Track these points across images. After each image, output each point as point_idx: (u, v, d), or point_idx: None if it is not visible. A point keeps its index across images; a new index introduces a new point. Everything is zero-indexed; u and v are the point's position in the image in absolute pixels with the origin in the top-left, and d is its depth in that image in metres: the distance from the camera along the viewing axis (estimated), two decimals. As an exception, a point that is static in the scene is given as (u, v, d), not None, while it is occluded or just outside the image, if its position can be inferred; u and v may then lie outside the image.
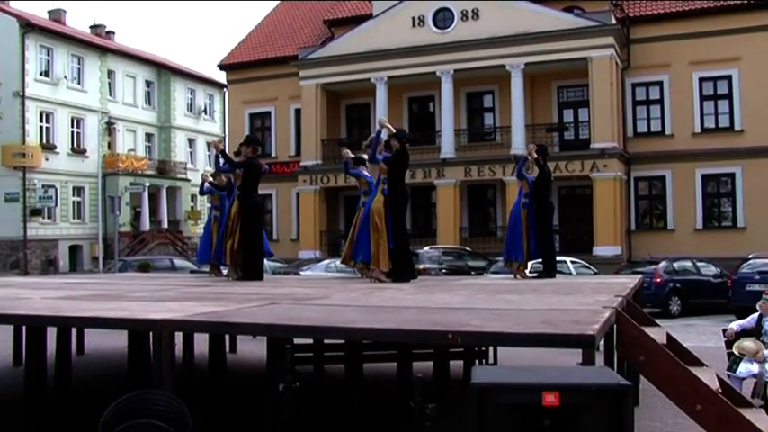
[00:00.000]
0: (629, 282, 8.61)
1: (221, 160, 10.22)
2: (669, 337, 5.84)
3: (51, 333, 7.78)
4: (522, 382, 2.61)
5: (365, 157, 9.65)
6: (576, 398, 2.56)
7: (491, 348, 9.48)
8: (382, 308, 5.26)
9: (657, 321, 6.72)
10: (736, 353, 7.64)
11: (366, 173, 10.00)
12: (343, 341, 6.73)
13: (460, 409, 5.37)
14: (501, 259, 12.85)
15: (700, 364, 5.69)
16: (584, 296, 6.28)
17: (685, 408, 4.60)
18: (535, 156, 10.38)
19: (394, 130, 9.32)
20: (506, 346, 3.62)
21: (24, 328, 6.45)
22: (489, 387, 2.58)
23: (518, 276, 10.52)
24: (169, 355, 4.27)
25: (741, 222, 25.03)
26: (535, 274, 10.88)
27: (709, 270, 20.25)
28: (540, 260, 10.85)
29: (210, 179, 11.55)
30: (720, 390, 4.96)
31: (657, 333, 5.50)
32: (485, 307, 5.24)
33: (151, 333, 4.40)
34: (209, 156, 42.68)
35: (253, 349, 11.77)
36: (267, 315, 4.72)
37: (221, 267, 11.11)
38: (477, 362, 9.20)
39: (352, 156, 10.19)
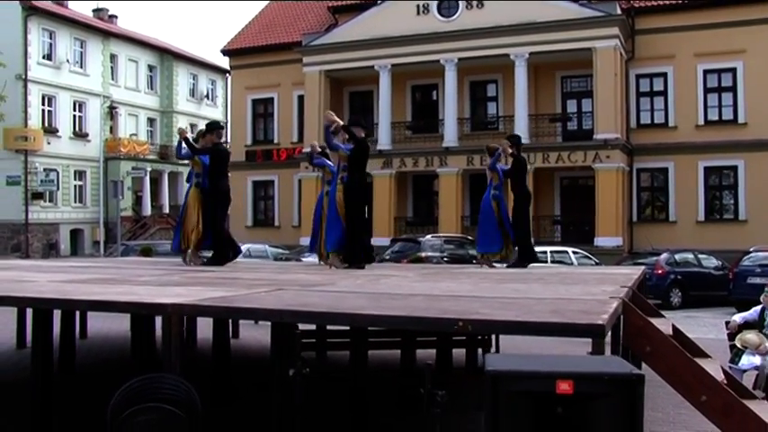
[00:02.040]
0: (633, 273, 8.63)
1: (183, 147, 9.64)
2: (675, 328, 5.87)
3: (55, 317, 7.81)
4: (537, 370, 2.62)
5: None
6: (589, 387, 2.58)
7: (493, 337, 9.51)
8: (389, 295, 5.27)
9: (660, 312, 6.73)
10: (738, 345, 7.68)
11: (330, 163, 10.03)
12: (346, 328, 6.74)
13: (464, 396, 5.39)
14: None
15: (705, 355, 5.72)
16: (589, 286, 6.29)
17: (690, 398, 4.63)
18: (510, 151, 10.32)
19: (341, 123, 9.28)
20: (517, 334, 3.63)
21: (31, 311, 6.47)
22: (504, 375, 2.59)
23: (485, 266, 10.23)
24: (179, 339, 4.28)
25: (743, 215, 25.02)
26: (504, 264, 10.60)
27: (711, 262, 20.30)
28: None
29: (189, 135, 10.06)
30: (725, 381, 4.99)
31: (663, 324, 5.52)
32: (492, 295, 5.25)
33: (160, 317, 4.42)
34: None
35: (254, 335, 11.81)
36: (276, 301, 4.73)
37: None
38: (479, 350, 9.23)
39: (319, 149, 10.29)
